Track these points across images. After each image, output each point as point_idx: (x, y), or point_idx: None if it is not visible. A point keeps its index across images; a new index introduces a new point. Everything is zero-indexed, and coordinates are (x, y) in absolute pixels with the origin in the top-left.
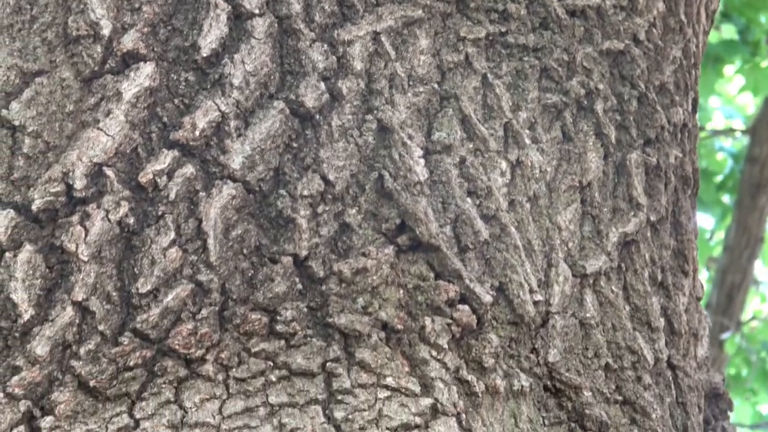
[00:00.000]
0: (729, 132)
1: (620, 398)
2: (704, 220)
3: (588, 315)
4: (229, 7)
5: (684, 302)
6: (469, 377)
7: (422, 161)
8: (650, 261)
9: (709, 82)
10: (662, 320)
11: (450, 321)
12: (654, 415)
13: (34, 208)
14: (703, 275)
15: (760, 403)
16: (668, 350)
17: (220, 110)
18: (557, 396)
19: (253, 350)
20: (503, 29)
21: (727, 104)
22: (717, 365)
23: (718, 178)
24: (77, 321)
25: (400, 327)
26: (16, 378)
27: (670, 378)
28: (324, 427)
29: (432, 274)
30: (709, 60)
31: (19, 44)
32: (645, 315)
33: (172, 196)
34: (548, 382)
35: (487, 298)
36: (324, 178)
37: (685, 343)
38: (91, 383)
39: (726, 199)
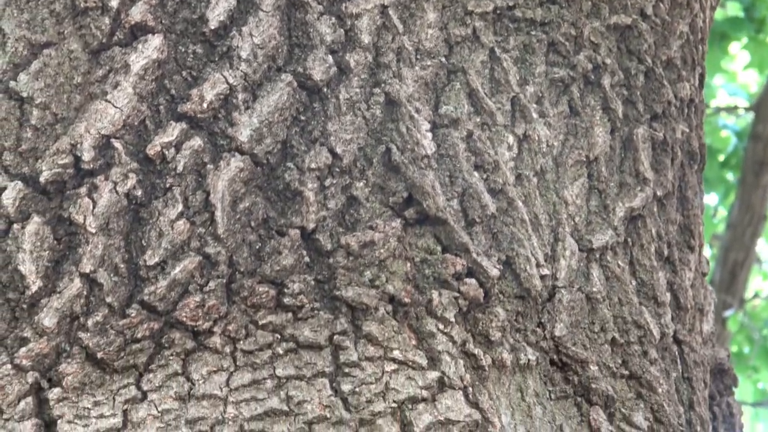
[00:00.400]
0: (733, 109)
1: (626, 373)
2: (707, 197)
3: (594, 289)
4: None
5: (690, 277)
6: (476, 351)
7: (430, 135)
8: (656, 236)
9: (714, 60)
10: (668, 295)
11: (457, 294)
12: (660, 390)
13: (42, 179)
14: (707, 253)
15: (762, 380)
16: (674, 325)
17: (227, 83)
18: (563, 370)
19: (260, 323)
20: (511, 3)
21: (730, 82)
22: (720, 342)
23: (722, 156)
24: (85, 293)
25: (407, 300)
26: (23, 349)
27: (676, 353)
28: (331, 400)
29: (439, 248)
30: (714, 37)
31: (27, 16)
32: (651, 290)
33: (180, 168)
34: (555, 356)
35: (494, 272)
36: (332, 151)
37: (691, 318)
38: (99, 355)
39: (729, 176)
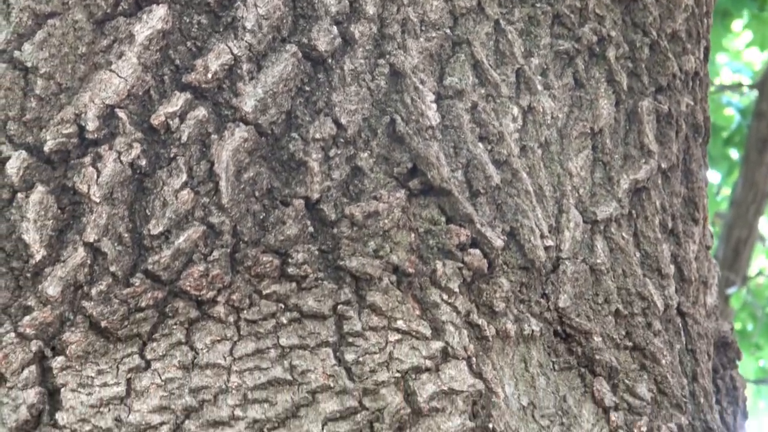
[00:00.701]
0: (737, 87)
1: (630, 344)
2: (711, 175)
3: (598, 261)
4: None
5: (694, 250)
6: (480, 321)
7: (434, 106)
8: (661, 208)
9: (717, 37)
10: (672, 267)
11: (461, 265)
12: (664, 361)
13: (46, 149)
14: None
15: (765, 358)
16: (678, 297)
17: (232, 53)
18: (567, 341)
19: (264, 292)
20: None
21: (734, 59)
22: (723, 319)
23: (725, 134)
24: (89, 262)
25: (411, 270)
26: (27, 318)
27: (680, 325)
28: (335, 370)
29: (443, 218)
30: (717, 14)
31: None
32: (655, 262)
33: (184, 138)
34: (558, 327)
35: (498, 243)
36: (336, 122)
37: (695, 291)
38: (103, 324)
39: (733, 154)
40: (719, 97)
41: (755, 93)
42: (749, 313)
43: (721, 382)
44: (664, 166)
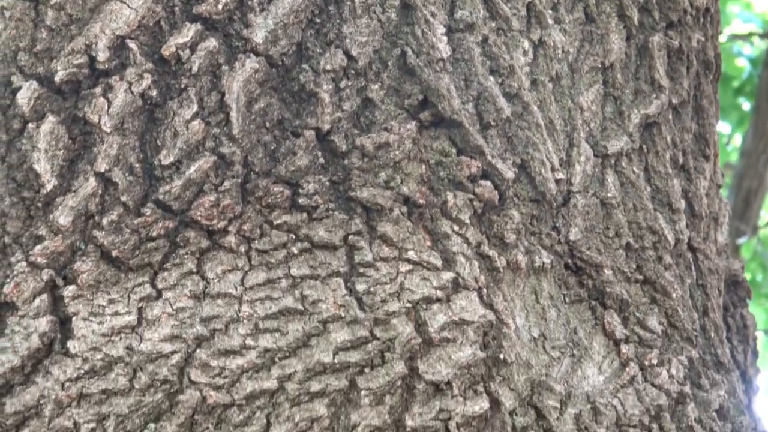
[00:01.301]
0: (747, 37)
1: (641, 277)
2: (721, 125)
3: (609, 195)
4: None
5: (705, 186)
6: (491, 252)
7: (445, 38)
8: (671, 143)
9: None
10: (683, 202)
11: (472, 196)
12: (674, 295)
13: (57, 79)
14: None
15: None
16: (689, 232)
17: None
18: (578, 274)
19: (275, 222)
20: None
21: (745, 9)
22: None
23: (736, 84)
24: (100, 192)
25: (422, 202)
26: (38, 247)
27: (691, 260)
28: (346, 300)
29: (454, 150)
30: None
31: None
32: (666, 196)
33: (195, 69)
34: (569, 260)
35: (509, 174)
36: (347, 54)
37: (706, 227)
38: (114, 253)
39: (744, 104)
40: (730, 47)
41: (766, 43)
42: (759, 263)
43: (732, 320)
44: (674, 101)
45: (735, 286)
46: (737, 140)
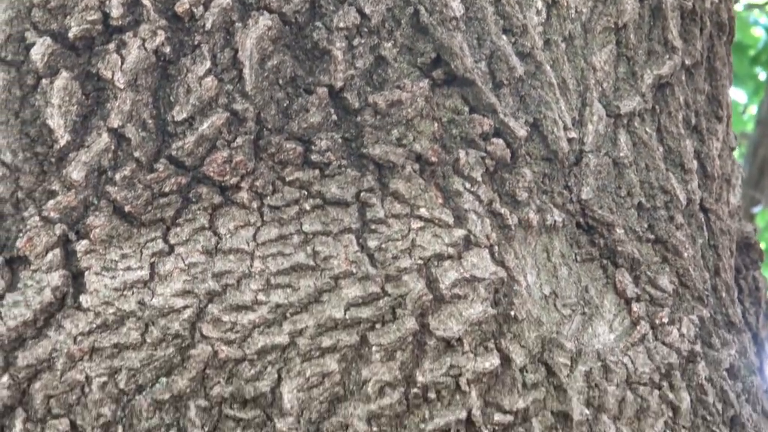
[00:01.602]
0: (763, 6)
1: (652, 237)
2: (737, 94)
3: (621, 154)
4: None
5: (717, 147)
6: (503, 210)
7: None
8: (684, 104)
9: None
10: (695, 163)
11: (484, 154)
12: (686, 255)
13: (70, 35)
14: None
15: None
16: (701, 193)
17: None
18: (590, 233)
19: (287, 179)
20: None
21: None
22: None
23: (752, 52)
24: (113, 147)
25: (434, 159)
26: (51, 202)
27: (702, 220)
28: (357, 256)
29: (466, 108)
30: None
31: None
32: (678, 157)
33: (209, 26)
34: (581, 219)
35: (522, 132)
36: (360, 11)
37: (718, 188)
38: (126, 208)
39: (760, 74)
40: (746, 16)
41: None
42: None
43: (744, 282)
44: (687, 62)
45: (747, 249)
46: (753, 109)
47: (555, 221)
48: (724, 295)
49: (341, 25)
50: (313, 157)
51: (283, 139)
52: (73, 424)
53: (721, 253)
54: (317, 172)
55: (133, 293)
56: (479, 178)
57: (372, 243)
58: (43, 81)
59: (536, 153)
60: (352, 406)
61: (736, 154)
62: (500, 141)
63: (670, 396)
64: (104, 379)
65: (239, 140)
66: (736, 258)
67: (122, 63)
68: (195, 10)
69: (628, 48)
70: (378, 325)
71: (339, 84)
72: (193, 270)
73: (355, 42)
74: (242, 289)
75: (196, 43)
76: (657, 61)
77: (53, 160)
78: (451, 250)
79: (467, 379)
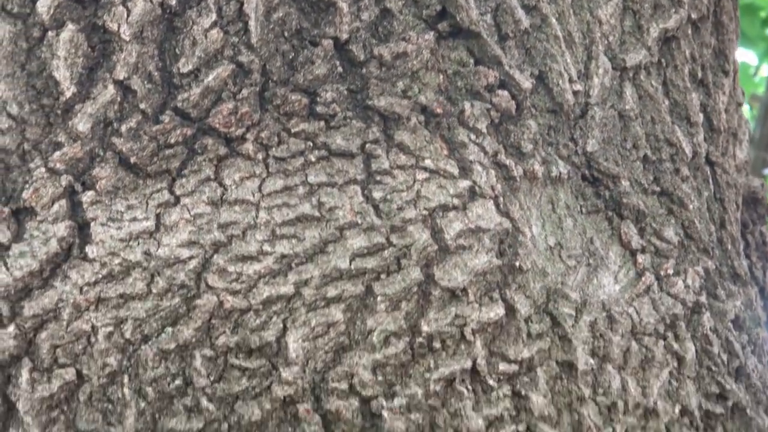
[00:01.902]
0: None
1: (658, 189)
2: (748, 56)
3: (627, 107)
4: None
5: (723, 101)
6: (508, 162)
7: None
8: (690, 58)
9: None
10: (701, 116)
11: (489, 106)
12: (691, 207)
13: None
14: (746, 113)
15: None
16: (707, 146)
17: None
18: (595, 185)
19: (292, 130)
20: None
21: None
22: None
23: (763, 14)
24: (119, 99)
25: (439, 111)
26: (57, 153)
27: (708, 173)
28: (362, 207)
29: (472, 60)
30: None
31: None
32: (684, 110)
33: None
34: (586, 171)
35: (527, 84)
36: None
37: (724, 142)
38: (132, 160)
39: None
40: None
41: None
42: None
43: (751, 237)
44: (694, 16)
45: (754, 204)
46: (764, 71)
47: (560, 173)
48: (729, 247)
49: None
50: (319, 108)
51: (288, 91)
52: (79, 374)
53: (727, 206)
54: (322, 123)
55: (138, 244)
56: (484, 130)
57: (377, 194)
58: (49, 33)
59: (541, 105)
60: (357, 355)
61: (748, 116)
62: (505, 93)
63: (675, 346)
64: (110, 329)
65: (245, 92)
66: (743, 213)
67: (128, 15)
68: None
69: (634, 1)
70: (383, 276)
71: (344, 36)
72: (198, 221)
73: None
74: (248, 240)
75: None
76: (663, 14)
77: (59, 111)
78: (456, 201)
79: (472, 329)
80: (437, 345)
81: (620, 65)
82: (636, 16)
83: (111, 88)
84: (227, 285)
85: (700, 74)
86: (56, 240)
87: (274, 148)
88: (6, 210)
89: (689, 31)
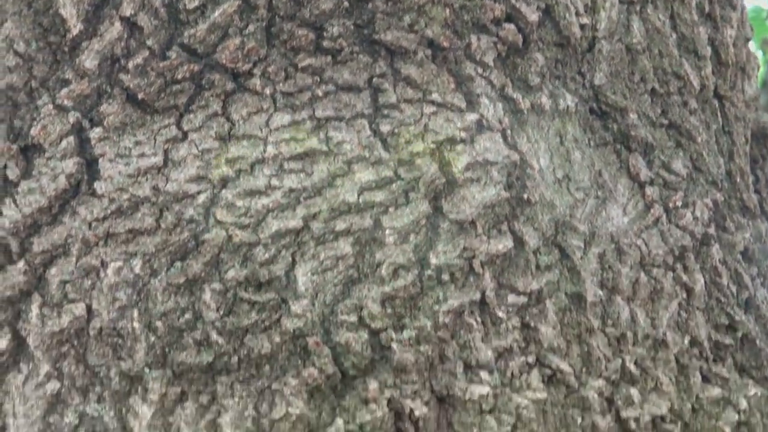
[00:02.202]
0: None
1: (666, 122)
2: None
3: (635, 41)
4: None
5: (731, 35)
6: (515, 95)
7: None
8: None
9: None
10: (709, 50)
11: (496, 39)
12: (699, 139)
13: None
14: (758, 57)
15: None
16: (715, 79)
17: None
18: (603, 118)
19: (299, 65)
20: None
21: None
22: None
23: None
24: (125, 36)
25: (445, 44)
26: (65, 90)
27: (717, 106)
28: (370, 140)
29: None
30: None
31: None
32: (692, 43)
33: None
34: (594, 105)
35: (533, 17)
36: None
37: (733, 76)
38: (139, 96)
39: None
40: None
41: None
42: None
43: (761, 172)
44: None
45: (764, 139)
46: None
47: (568, 106)
48: (738, 180)
49: None
50: (325, 43)
51: (295, 26)
52: (89, 309)
53: (735, 139)
54: (329, 58)
55: (147, 179)
56: (491, 63)
57: (385, 128)
58: None
59: (548, 38)
60: (366, 288)
61: (761, 62)
62: (512, 26)
63: (684, 278)
64: (119, 264)
65: (251, 27)
66: (752, 148)
67: None
68: None
69: None
70: (391, 209)
71: None
72: (206, 156)
73: None
74: (256, 174)
75: None
76: None
77: (66, 49)
78: (463, 134)
79: (480, 261)
80: (446, 277)
81: None
82: None
83: (117, 25)
84: (236, 219)
85: (707, 7)
86: (65, 176)
87: (281, 83)
88: (14, 147)
89: None
